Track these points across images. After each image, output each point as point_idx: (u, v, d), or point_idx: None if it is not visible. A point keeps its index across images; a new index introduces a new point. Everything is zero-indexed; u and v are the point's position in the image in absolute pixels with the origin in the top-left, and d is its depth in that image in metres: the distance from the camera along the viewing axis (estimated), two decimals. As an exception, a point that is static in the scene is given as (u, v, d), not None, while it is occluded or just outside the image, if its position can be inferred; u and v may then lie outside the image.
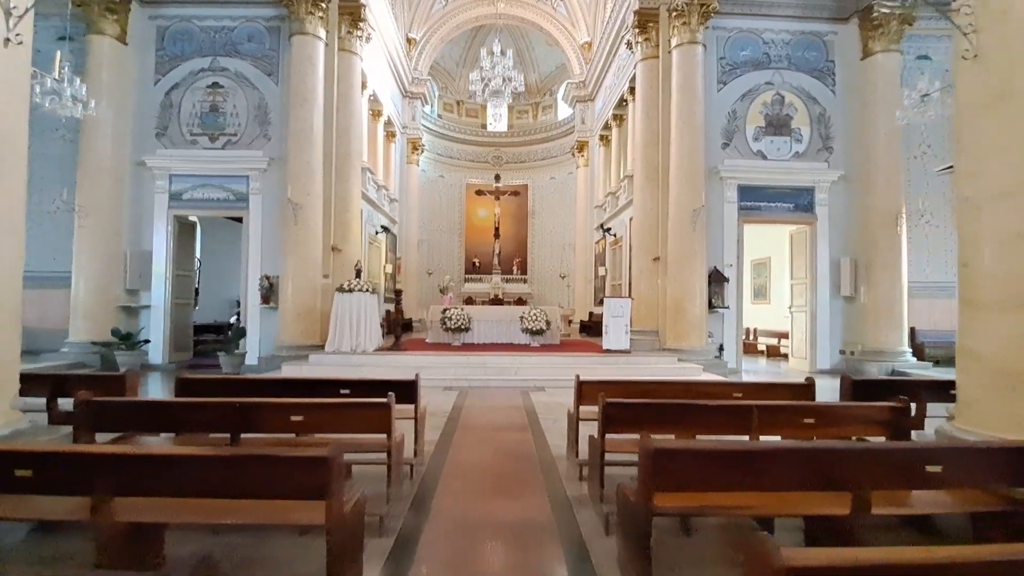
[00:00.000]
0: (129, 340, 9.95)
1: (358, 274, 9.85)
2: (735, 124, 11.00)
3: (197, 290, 12.26)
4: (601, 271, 16.08)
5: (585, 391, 4.48)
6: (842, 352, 10.86)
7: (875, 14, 10.42)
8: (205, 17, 10.96)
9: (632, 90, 13.86)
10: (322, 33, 10.47)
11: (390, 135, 17.27)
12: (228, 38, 10.95)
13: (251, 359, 10.37)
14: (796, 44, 11.14)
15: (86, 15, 10.21)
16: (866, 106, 10.61)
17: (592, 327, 16.34)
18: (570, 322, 17.23)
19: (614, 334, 9.57)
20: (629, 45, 11.81)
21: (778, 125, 11.03)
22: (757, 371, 11.34)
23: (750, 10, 11.09)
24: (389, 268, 16.06)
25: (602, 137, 17.50)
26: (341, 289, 9.55)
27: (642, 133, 11.09)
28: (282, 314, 10.14)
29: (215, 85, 10.88)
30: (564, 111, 21.81)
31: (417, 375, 4.33)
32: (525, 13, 18.58)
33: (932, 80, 11.06)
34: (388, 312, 13.54)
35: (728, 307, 10.59)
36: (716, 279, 10.51)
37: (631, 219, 13.34)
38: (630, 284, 13.53)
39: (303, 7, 10.22)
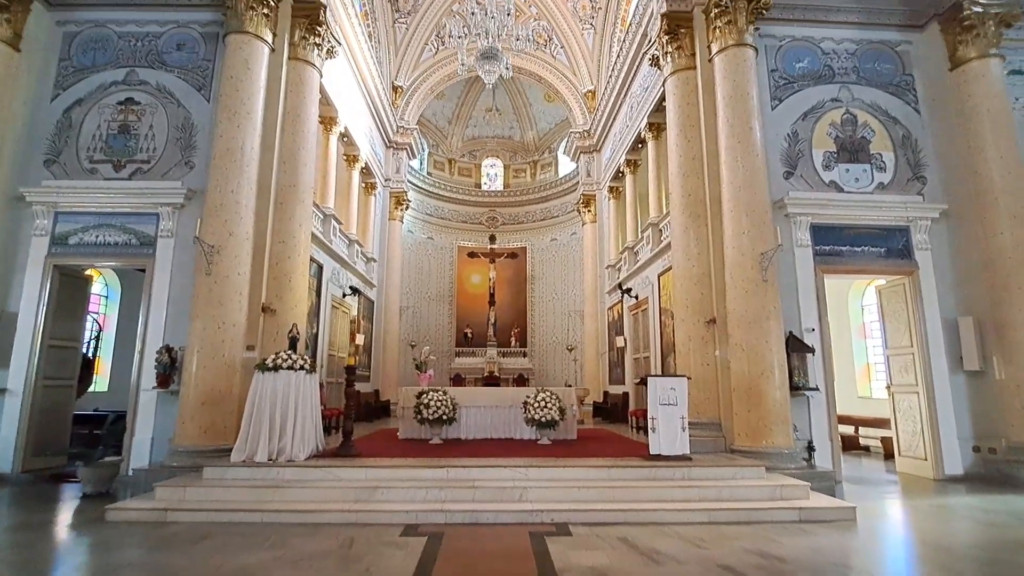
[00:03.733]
0: (-52, 443, 6.59)
1: (292, 344, 6.70)
2: (798, 148, 8.38)
3: (90, 363, 8.95)
4: (619, 342, 12.95)
5: None
6: (976, 450, 7.59)
7: (966, 13, 8.12)
8: (126, 23, 8.54)
9: (651, 126, 11.51)
10: (268, 36, 8.00)
11: (369, 186, 14.73)
12: (152, 46, 8.47)
13: (138, 464, 6.98)
14: (863, 55, 8.78)
15: (-30, 14, 7.77)
16: (966, 124, 8.08)
17: (609, 411, 13.00)
18: (582, 402, 13.88)
19: (666, 432, 6.31)
20: (654, 61, 9.45)
21: (853, 150, 8.42)
22: (860, 479, 7.94)
23: (803, 16, 8.82)
24: (361, 338, 12.90)
25: (612, 189, 15.03)
26: (263, 367, 6.36)
27: (679, 160, 8.42)
28: (182, 402, 6.87)
29: (129, 101, 8.26)
30: (565, 168, 19.63)
31: None
32: (523, 63, 16.65)
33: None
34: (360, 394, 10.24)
35: (816, 388, 7.42)
36: (796, 348, 7.42)
37: (661, 274, 10.45)
38: (662, 357, 10.39)
39: (242, 2, 7.80)
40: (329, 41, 8.88)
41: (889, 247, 8.12)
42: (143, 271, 8.16)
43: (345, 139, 12.46)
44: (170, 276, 7.68)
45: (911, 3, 8.80)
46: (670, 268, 9.19)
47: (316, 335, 10.60)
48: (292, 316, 7.71)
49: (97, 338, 9.57)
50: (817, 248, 8.02)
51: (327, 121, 11.19)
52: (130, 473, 6.77)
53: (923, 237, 8.11)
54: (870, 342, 11.57)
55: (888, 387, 8.42)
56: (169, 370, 7.25)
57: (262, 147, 7.68)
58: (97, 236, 7.87)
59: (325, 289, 11.02)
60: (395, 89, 16.12)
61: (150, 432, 7.29)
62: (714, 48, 8.21)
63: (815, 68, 8.68)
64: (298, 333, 6.82)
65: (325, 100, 10.20)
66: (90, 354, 9.08)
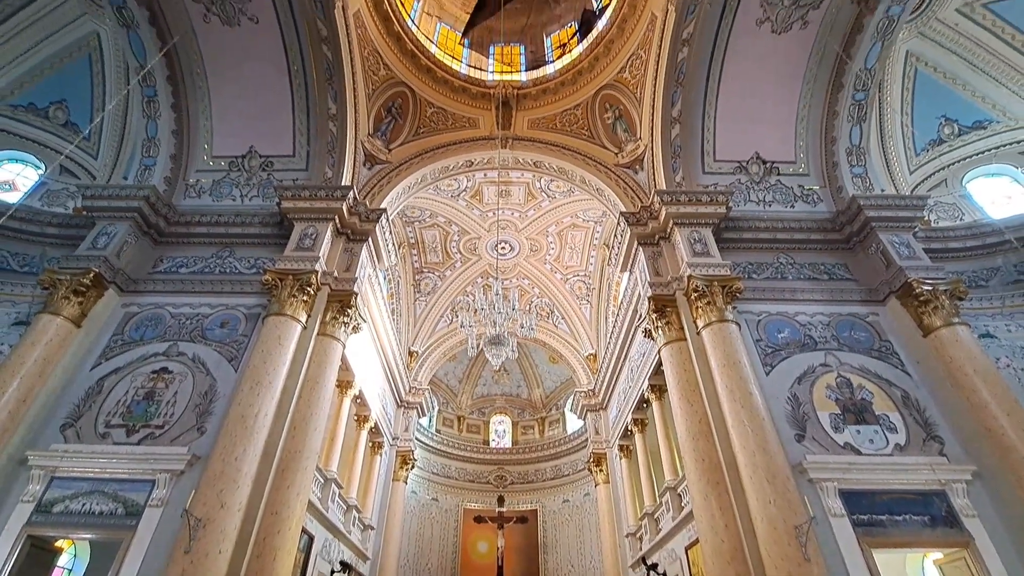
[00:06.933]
0: None
1: (260, 649, 5.44)
2: (802, 411, 8.22)
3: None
4: (651, 635, 10.58)
5: None
6: None
7: (918, 290, 8.94)
8: (181, 305, 9.51)
9: (653, 388, 11.69)
10: (302, 316, 8.80)
11: (376, 446, 14.28)
12: (198, 324, 9.23)
13: None
14: (838, 325, 9.33)
15: (49, 296, 8.76)
16: (958, 385, 8.07)
17: None
18: None
19: None
20: (647, 333, 10.09)
21: (857, 411, 8.25)
22: None
23: (772, 296, 9.70)
24: (343, 633, 10.64)
25: (622, 447, 14.43)
26: None
27: (687, 424, 8.22)
28: None
29: (163, 371, 8.59)
30: (573, 424, 19.30)
31: None
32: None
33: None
34: None
35: None
36: (868, 654, 5.93)
37: (688, 547, 9.16)
38: (706, 661, 8.31)
39: (286, 291, 8.83)
40: (356, 320, 9.72)
41: (932, 514, 7.22)
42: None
43: (358, 400, 12.59)
44: (144, 555, 6.76)
45: (866, 282, 9.79)
46: (697, 541, 8.10)
47: (292, 629, 8.79)
48: (267, 607, 6.48)
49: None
50: (855, 518, 7.13)
51: (343, 384, 11.49)
52: None
53: (965, 502, 7.29)
54: (951, 637, 9.34)
55: None
56: None
57: (275, 414, 7.68)
58: (84, 504, 7.24)
59: (312, 566, 9.62)
60: (411, 354, 17.05)
61: None
62: (700, 323, 8.85)
63: (796, 338, 9.13)
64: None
65: (344, 366, 10.65)
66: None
